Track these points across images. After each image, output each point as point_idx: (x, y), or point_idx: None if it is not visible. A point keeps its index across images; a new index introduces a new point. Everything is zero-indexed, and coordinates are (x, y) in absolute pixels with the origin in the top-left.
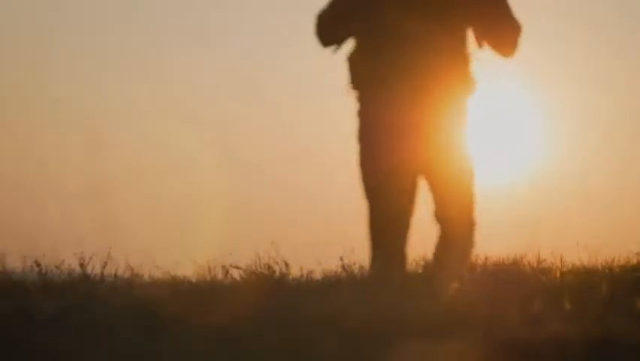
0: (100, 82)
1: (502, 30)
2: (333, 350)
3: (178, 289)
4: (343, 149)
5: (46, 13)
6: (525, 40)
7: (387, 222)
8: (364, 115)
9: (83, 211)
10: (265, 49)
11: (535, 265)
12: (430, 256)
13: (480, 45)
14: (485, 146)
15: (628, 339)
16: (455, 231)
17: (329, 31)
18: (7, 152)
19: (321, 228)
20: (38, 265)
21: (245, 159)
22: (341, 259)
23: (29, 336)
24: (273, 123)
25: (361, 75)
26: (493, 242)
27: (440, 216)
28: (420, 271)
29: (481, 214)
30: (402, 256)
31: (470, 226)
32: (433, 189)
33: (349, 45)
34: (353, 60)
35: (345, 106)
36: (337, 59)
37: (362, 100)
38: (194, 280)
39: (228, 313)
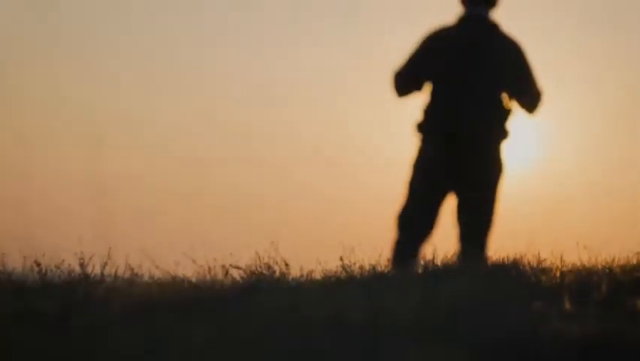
0: (101, 81)
1: (530, 97)
2: (333, 350)
3: (178, 289)
4: (345, 149)
5: (50, 10)
6: (523, 39)
7: (415, 230)
8: (421, 152)
9: (83, 211)
10: (269, 46)
11: (535, 265)
12: (428, 256)
13: (512, 103)
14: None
15: (628, 339)
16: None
17: (403, 86)
18: (7, 152)
19: (321, 228)
20: (38, 265)
21: (245, 158)
22: (341, 259)
23: (29, 336)
24: (274, 123)
25: (426, 122)
26: (493, 242)
27: (461, 222)
28: (421, 271)
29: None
30: (416, 254)
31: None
32: (462, 203)
33: (421, 98)
34: (423, 110)
35: (348, 107)
36: (341, 60)
37: (423, 140)
38: (194, 280)
39: (228, 313)
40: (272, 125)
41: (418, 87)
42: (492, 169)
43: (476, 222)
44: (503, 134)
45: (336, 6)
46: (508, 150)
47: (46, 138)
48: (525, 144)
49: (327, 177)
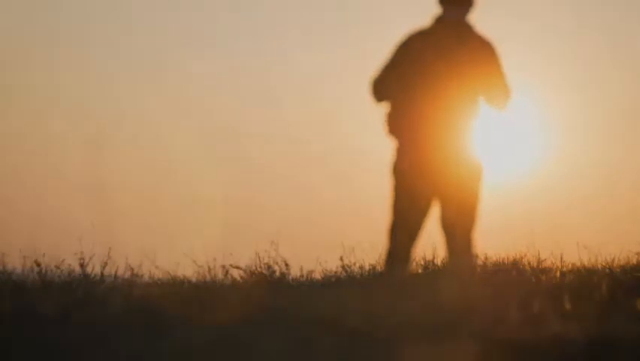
0: (101, 81)
1: (498, 94)
2: (333, 350)
3: (178, 289)
4: (344, 150)
5: (50, 11)
6: (521, 40)
7: (406, 234)
8: (398, 152)
9: (83, 211)
10: (269, 47)
11: (535, 265)
12: (428, 257)
13: (483, 102)
14: (484, 146)
15: (628, 339)
16: (457, 237)
17: (381, 92)
18: (8, 152)
19: (321, 228)
20: (38, 265)
21: (245, 159)
22: (341, 259)
23: (29, 336)
24: (274, 124)
25: (397, 124)
26: (493, 242)
27: (445, 225)
28: (421, 271)
29: (482, 214)
30: (409, 257)
31: (470, 234)
32: (444, 205)
33: (388, 103)
34: (397, 115)
35: (347, 108)
36: (341, 60)
37: (398, 141)
38: (194, 280)
39: (228, 313)
40: (273, 126)
41: (396, 92)
42: (467, 170)
43: (458, 224)
44: (473, 135)
45: (336, 6)
46: (504, 151)
47: (46, 138)
48: (525, 145)
49: (327, 178)
